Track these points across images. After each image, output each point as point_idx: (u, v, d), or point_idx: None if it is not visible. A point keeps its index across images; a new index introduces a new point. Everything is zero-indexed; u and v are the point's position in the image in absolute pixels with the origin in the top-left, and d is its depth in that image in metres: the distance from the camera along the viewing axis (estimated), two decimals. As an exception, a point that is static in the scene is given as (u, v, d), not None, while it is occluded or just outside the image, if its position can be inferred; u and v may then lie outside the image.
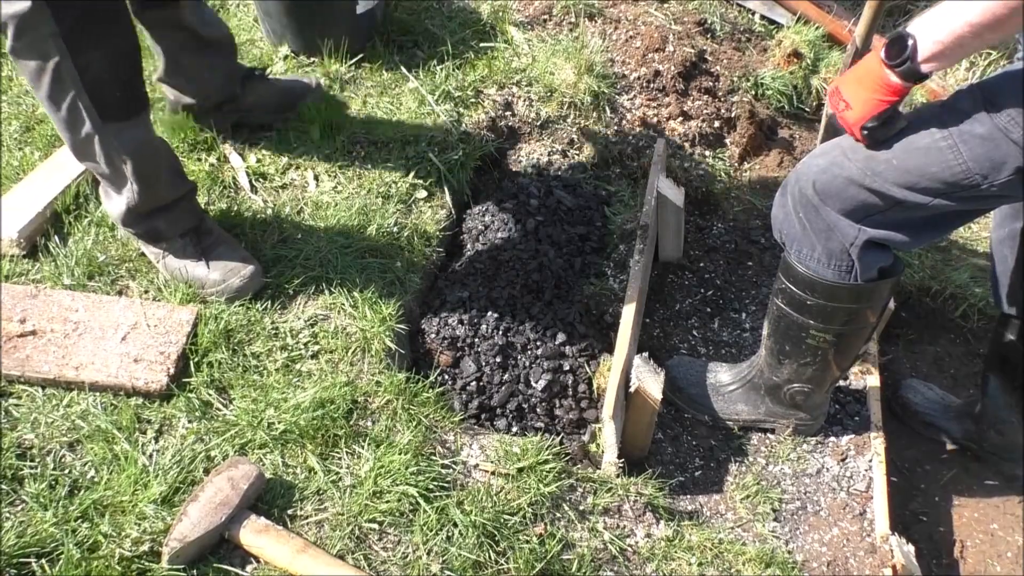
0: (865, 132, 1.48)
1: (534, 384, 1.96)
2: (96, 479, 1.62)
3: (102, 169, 1.81)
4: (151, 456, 1.66)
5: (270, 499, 1.63)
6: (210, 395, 1.78)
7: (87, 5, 1.58)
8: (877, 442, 2.03)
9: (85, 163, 1.82)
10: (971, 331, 2.51)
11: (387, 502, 1.64)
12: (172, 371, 1.77)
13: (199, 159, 2.27)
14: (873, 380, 2.16)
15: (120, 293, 1.96)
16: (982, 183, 1.45)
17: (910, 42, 1.36)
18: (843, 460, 2.03)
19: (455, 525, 1.64)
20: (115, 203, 1.89)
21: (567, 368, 1.99)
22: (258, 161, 2.30)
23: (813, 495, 1.97)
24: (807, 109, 2.94)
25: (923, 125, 1.47)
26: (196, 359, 1.82)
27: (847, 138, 1.60)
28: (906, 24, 1.39)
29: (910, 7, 3.64)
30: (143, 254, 2.03)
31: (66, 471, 1.63)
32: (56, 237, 2.05)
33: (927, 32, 1.34)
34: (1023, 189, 1.48)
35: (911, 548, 1.85)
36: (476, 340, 1.99)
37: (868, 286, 1.67)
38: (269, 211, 2.17)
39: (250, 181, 2.25)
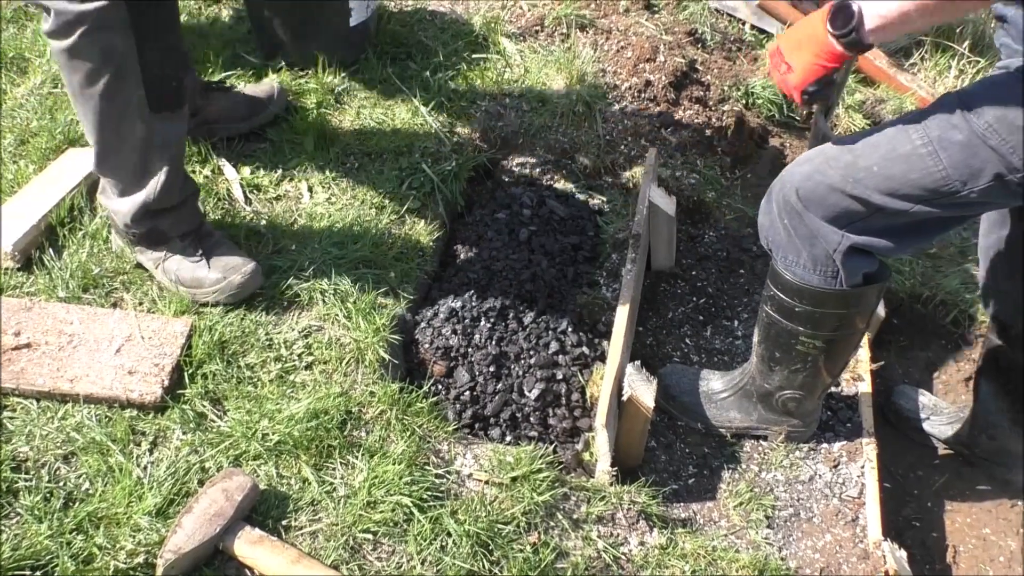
0: (806, 96, 1.51)
1: (527, 393, 1.97)
2: (91, 491, 1.62)
3: (129, 164, 1.83)
4: (146, 468, 1.67)
5: (264, 510, 1.63)
6: (204, 406, 1.78)
7: (153, 1, 1.64)
8: (869, 448, 2.05)
9: (108, 164, 1.84)
10: (962, 337, 2.53)
11: (381, 512, 1.65)
12: (166, 383, 1.78)
13: (193, 171, 2.28)
14: (865, 386, 2.18)
15: (115, 305, 1.97)
16: (962, 189, 1.47)
17: (856, 8, 1.37)
18: (836, 466, 2.04)
19: (449, 535, 1.64)
20: (125, 201, 1.90)
21: (560, 377, 2.00)
22: (252, 173, 2.31)
23: (806, 502, 1.98)
24: (797, 118, 2.97)
25: (904, 132, 1.49)
26: (190, 371, 1.83)
27: (830, 146, 1.62)
28: None
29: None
30: (138, 265, 2.04)
31: (61, 483, 1.63)
32: (51, 250, 2.06)
33: (874, 4, 1.36)
34: (1003, 196, 1.50)
35: (904, 554, 1.86)
36: (469, 350, 2.00)
37: (855, 292, 1.68)
38: (263, 222, 2.19)
39: (244, 193, 2.26)
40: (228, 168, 2.31)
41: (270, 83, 2.48)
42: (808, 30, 1.47)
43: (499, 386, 1.97)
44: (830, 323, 1.75)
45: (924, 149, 1.47)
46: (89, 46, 1.63)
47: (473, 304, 2.07)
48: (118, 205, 1.92)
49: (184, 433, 1.74)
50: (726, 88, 2.88)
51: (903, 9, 1.33)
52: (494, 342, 2.01)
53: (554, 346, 2.04)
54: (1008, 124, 1.40)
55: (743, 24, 3.22)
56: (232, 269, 1.94)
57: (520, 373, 1.99)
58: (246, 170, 2.31)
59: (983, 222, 1.91)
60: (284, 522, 1.62)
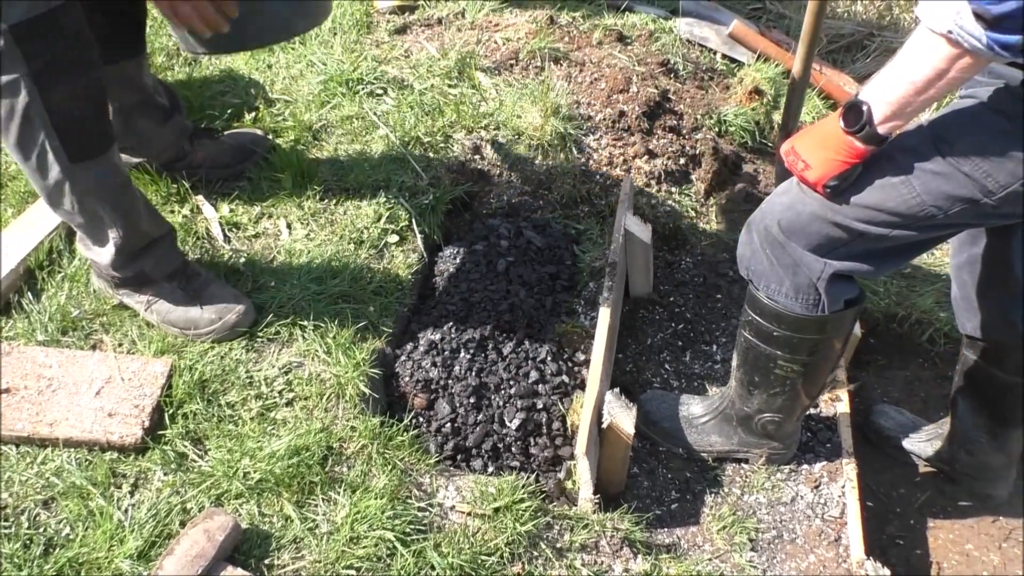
0: (828, 189, 1.54)
1: (508, 423, 1.98)
2: (71, 536, 1.62)
3: (77, 218, 1.82)
4: (127, 511, 1.66)
5: (247, 549, 1.63)
6: (185, 447, 1.78)
7: (58, 43, 1.57)
8: (849, 468, 2.06)
9: (58, 213, 1.83)
10: (939, 354, 2.56)
11: (364, 548, 1.65)
12: (147, 424, 1.78)
13: (172, 211, 2.30)
14: (843, 407, 2.20)
15: (94, 347, 1.97)
16: (938, 214, 1.51)
17: (865, 108, 1.42)
18: (817, 487, 2.05)
19: (433, 568, 1.64)
20: (100, 251, 1.90)
21: (541, 406, 2.01)
22: (231, 211, 2.33)
23: (789, 523, 1.99)
24: (769, 144, 3.02)
25: (878, 162, 1.53)
26: (171, 411, 1.83)
27: None
28: (857, 92, 1.46)
29: (866, 42, 3.76)
30: (120, 305, 2.04)
31: (41, 529, 1.62)
32: (29, 293, 2.06)
33: (878, 96, 1.41)
34: (979, 218, 1.54)
35: (887, 572, 1.86)
36: (450, 382, 2.01)
37: (833, 316, 1.71)
38: (242, 260, 2.20)
39: (223, 231, 2.27)
40: (207, 207, 2.32)
41: (253, 131, 2.51)
42: (824, 130, 1.52)
43: (480, 417, 1.98)
44: (808, 347, 1.78)
45: (897, 178, 1.51)
46: None
47: (452, 336, 2.08)
48: (94, 255, 1.93)
49: (165, 474, 1.73)
50: (699, 117, 2.93)
51: (904, 93, 1.37)
52: (474, 373, 2.02)
53: (534, 375, 2.05)
54: (981, 150, 1.44)
55: (714, 54, 3.28)
56: (226, 309, 1.95)
57: (501, 403, 2.01)
58: (225, 208, 2.33)
59: (953, 242, 1.95)
60: (267, 561, 1.62)
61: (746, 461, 2.10)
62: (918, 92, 1.35)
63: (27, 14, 1.52)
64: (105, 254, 1.90)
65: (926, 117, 1.57)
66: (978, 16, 1.20)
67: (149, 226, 1.93)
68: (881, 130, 1.43)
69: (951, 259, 1.97)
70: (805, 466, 2.10)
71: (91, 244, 1.91)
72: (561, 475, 1.98)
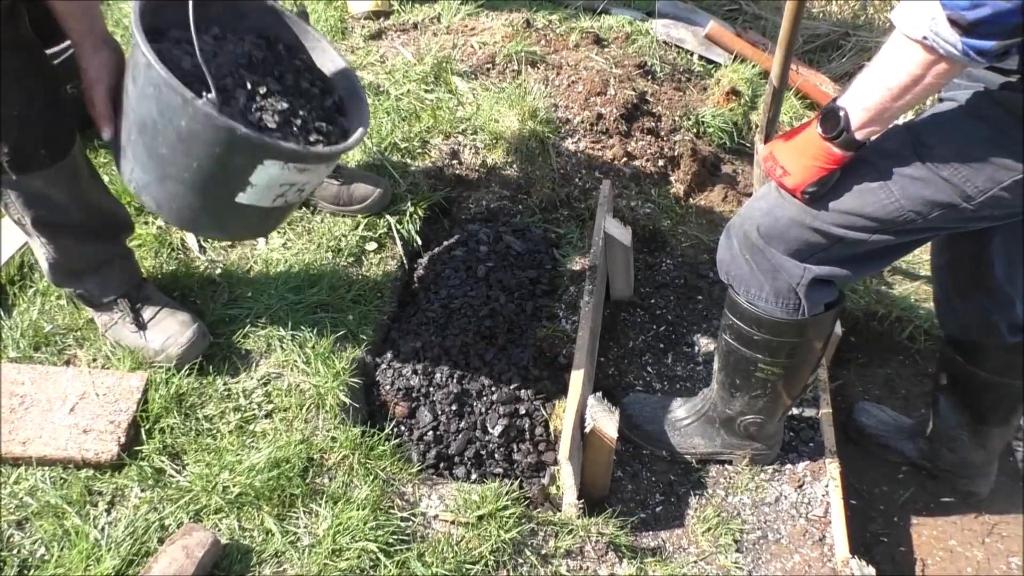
0: (807, 195, 1.54)
1: (491, 430, 1.96)
2: (46, 557, 1.59)
3: (19, 221, 1.76)
4: (103, 529, 1.63)
5: (227, 565, 1.60)
6: (163, 462, 1.75)
7: None
8: (832, 467, 2.06)
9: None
10: (919, 351, 2.57)
11: (347, 560, 1.63)
12: (123, 440, 1.75)
13: (146, 222, 2.27)
14: (825, 406, 2.20)
15: (68, 363, 1.94)
16: (916, 219, 1.51)
17: (842, 114, 1.42)
18: (800, 487, 2.05)
19: (416, 579, 1.63)
20: (39, 257, 1.86)
21: (523, 412, 2.00)
22: (207, 222, 2.30)
23: (773, 523, 1.99)
24: (747, 144, 3.02)
25: (857, 167, 1.53)
26: (147, 426, 1.80)
27: None
28: (835, 98, 1.46)
29: (841, 42, 3.78)
30: (92, 320, 2.01)
31: (15, 551, 1.59)
32: (0, 309, 2.02)
33: (855, 102, 1.41)
34: (958, 222, 1.54)
35: (872, 570, 1.86)
36: (431, 389, 1.99)
37: (813, 319, 1.71)
38: (218, 271, 2.17)
39: (198, 242, 2.25)
40: (182, 218, 2.29)
41: None
42: (803, 136, 1.52)
43: (462, 424, 1.96)
44: (789, 350, 1.78)
45: (877, 182, 1.51)
46: None
47: (433, 343, 2.06)
48: (43, 265, 1.89)
49: (142, 490, 1.71)
50: (677, 118, 2.93)
51: (881, 99, 1.37)
52: (455, 380, 2.00)
53: (516, 381, 2.04)
54: (959, 155, 1.44)
55: (691, 55, 3.29)
56: (171, 339, 1.89)
57: (483, 410, 1.99)
58: (200, 219, 2.30)
59: (935, 242, 1.95)
60: (247, 576, 1.60)
61: (730, 462, 2.09)
62: (895, 98, 1.35)
63: None
64: (42, 262, 1.86)
65: (905, 120, 1.57)
66: (953, 22, 1.19)
67: (87, 253, 1.86)
68: (859, 136, 1.43)
69: (932, 260, 1.98)
70: (788, 466, 2.10)
71: (36, 248, 1.85)
72: (545, 481, 1.97)
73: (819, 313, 1.71)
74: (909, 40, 1.27)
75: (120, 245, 1.95)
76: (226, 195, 1.53)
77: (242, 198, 1.53)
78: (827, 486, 2.04)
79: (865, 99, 1.39)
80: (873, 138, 1.47)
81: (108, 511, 1.67)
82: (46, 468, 1.72)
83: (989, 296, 1.84)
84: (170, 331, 1.91)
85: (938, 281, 1.97)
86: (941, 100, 1.57)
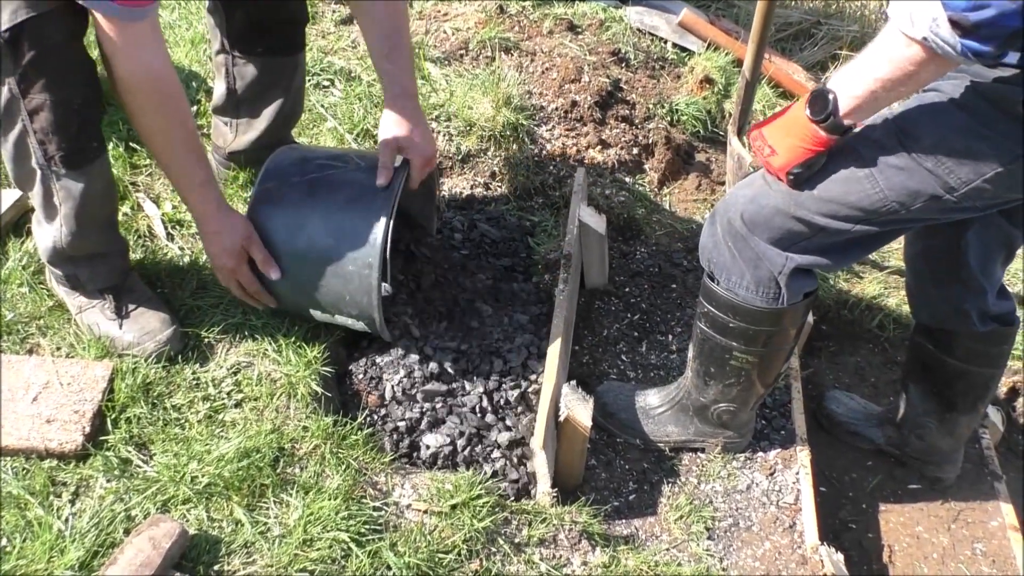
0: (791, 177, 1.54)
1: (465, 419, 1.95)
2: (8, 549, 1.55)
3: (38, 201, 1.78)
4: (67, 520, 1.60)
5: (195, 556, 1.58)
6: (129, 452, 1.72)
7: (43, 50, 1.55)
8: (803, 455, 2.08)
9: (23, 189, 1.81)
10: (888, 340, 2.60)
11: (318, 550, 1.61)
12: (88, 430, 1.71)
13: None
14: (796, 394, 2.22)
15: (31, 352, 1.89)
16: (900, 209, 1.52)
17: (831, 97, 1.42)
18: (772, 474, 2.07)
19: (389, 568, 1.62)
20: (44, 235, 1.84)
21: (498, 400, 1.99)
22: (174, 208, 2.25)
23: (744, 511, 2.00)
24: (721, 133, 3.03)
25: (841, 156, 1.54)
26: (113, 416, 1.76)
27: None
28: (825, 81, 1.46)
29: (813, 30, 3.80)
30: (56, 308, 1.97)
31: (-25, 543, 1.55)
32: (-39, 297, 1.97)
33: (845, 89, 1.41)
34: (940, 213, 1.55)
35: (841, 557, 1.89)
36: (404, 378, 1.97)
37: (790, 308, 1.72)
38: (187, 259, 2.13)
39: (166, 229, 2.20)
40: (148, 204, 2.25)
41: None
42: (792, 117, 1.52)
43: (436, 413, 1.94)
44: (764, 338, 1.79)
45: (861, 172, 1.52)
46: None
47: (406, 331, 2.04)
48: (40, 238, 1.87)
49: (108, 481, 1.67)
50: (651, 106, 2.93)
51: (870, 89, 1.38)
52: (429, 368, 1.98)
53: (490, 369, 2.02)
54: (944, 147, 1.45)
55: (665, 43, 3.28)
56: (148, 334, 1.87)
57: (457, 398, 1.97)
58: (167, 205, 2.26)
59: (907, 233, 1.97)
60: (216, 567, 1.57)
61: (703, 450, 2.10)
62: (885, 90, 1.36)
63: (12, 20, 1.51)
64: (44, 241, 1.85)
65: (891, 110, 1.58)
66: (955, 23, 1.19)
67: (96, 244, 1.87)
68: (847, 121, 1.43)
69: (905, 249, 1.99)
70: (760, 454, 2.12)
71: (44, 224, 1.84)
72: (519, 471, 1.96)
73: (797, 302, 1.72)
74: (907, 38, 1.27)
75: (120, 236, 1.97)
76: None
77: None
78: (798, 474, 2.06)
79: (855, 87, 1.39)
80: (860, 126, 1.47)
81: (72, 502, 1.64)
82: (8, 458, 1.68)
83: (962, 285, 1.86)
84: (148, 327, 1.88)
85: (911, 270, 1.99)
86: (927, 90, 1.58)
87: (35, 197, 1.79)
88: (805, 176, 1.54)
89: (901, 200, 1.50)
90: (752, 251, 1.66)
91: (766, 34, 1.92)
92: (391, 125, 1.85)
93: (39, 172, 1.71)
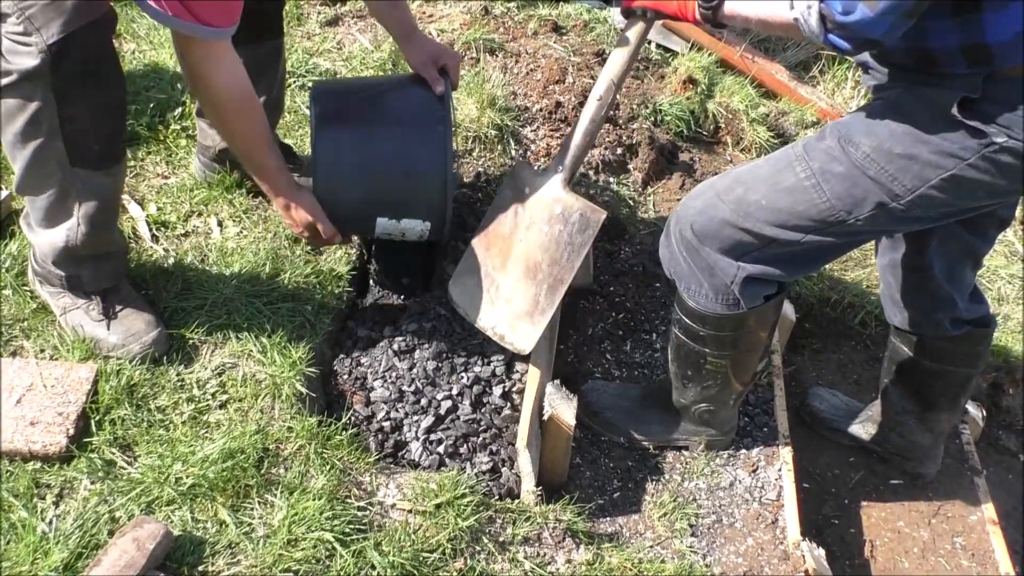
0: (629, 9, 1.71)
1: (450, 418, 1.96)
2: (-8, 551, 1.55)
3: (48, 201, 1.79)
4: (51, 522, 1.60)
5: (179, 557, 1.58)
6: (113, 454, 1.72)
7: (88, 58, 1.61)
8: (786, 451, 2.10)
9: (26, 192, 1.81)
10: (870, 337, 2.63)
11: (302, 550, 1.62)
12: (72, 432, 1.71)
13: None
14: (779, 391, 2.24)
15: (14, 354, 1.89)
16: (847, 218, 1.54)
17: None
18: (754, 471, 2.09)
19: (373, 567, 1.62)
20: (50, 236, 1.83)
21: (482, 400, 2.00)
22: (159, 209, 2.26)
23: (727, 508, 2.02)
24: (705, 133, 3.05)
25: (788, 165, 1.56)
26: (97, 417, 1.77)
27: (720, 179, 1.69)
28: None
29: None
30: (41, 309, 1.96)
31: (-42, 545, 1.55)
32: (-57, 300, 1.97)
33: (738, 4, 1.50)
34: (890, 223, 1.57)
35: (822, 552, 1.91)
36: (389, 378, 1.98)
37: (752, 312, 1.74)
38: (171, 260, 2.13)
39: (151, 230, 2.20)
40: (133, 205, 2.25)
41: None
42: None
43: (421, 413, 1.95)
44: (733, 341, 1.81)
45: (808, 181, 1.54)
46: (10, 89, 1.61)
47: (391, 332, 2.05)
48: (37, 237, 1.87)
49: (92, 483, 1.68)
50: (635, 107, 2.94)
51: (751, 17, 1.49)
52: (414, 369, 1.99)
53: (475, 369, 2.03)
54: (885, 154, 1.47)
55: (649, 43, 3.30)
56: (133, 336, 1.87)
57: (442, 398, 1.98)
58: (152, 206, 2.26)
59: (877, 244, 1.99)
60: (200, 568, 1.58)
61: (686, 448, 2.12)
62: (760, 27, 1.54)
63: (64, 31, 1.55)
64: (48, 243, 1.84)
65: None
66: (823, 17, 1.33)
67: (107, 243, 1.89)
68: (719, 19, 1.52)
69: (878, 258, 2.01)
70: (743, 451, 2.14)
71: (36, 225, 1.85)
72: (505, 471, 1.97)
73: (758, 305, 1.74)
74: (789, 8, 1.39)
75: (123, 237, 1.99)
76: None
77: None
78: (780, 470, 2.08)
79: (743, 8, 1.49)
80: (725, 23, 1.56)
81: (56, 504, 1.64)
82: (-9, 462, 1.68)
83: (931, 298, 1.89)
84: (134, 329, 1.88)
85: (883, 279, 2.01)
86: (873, 98, 1.60)
87: (41, 200, 1.78)
88: (633, 22, 1.73)
89: (848, 208, 1.52)
90: (704, 261, 1.68)
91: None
92: (418, 50, 2.04)
93: (60, 175, 1.73)
